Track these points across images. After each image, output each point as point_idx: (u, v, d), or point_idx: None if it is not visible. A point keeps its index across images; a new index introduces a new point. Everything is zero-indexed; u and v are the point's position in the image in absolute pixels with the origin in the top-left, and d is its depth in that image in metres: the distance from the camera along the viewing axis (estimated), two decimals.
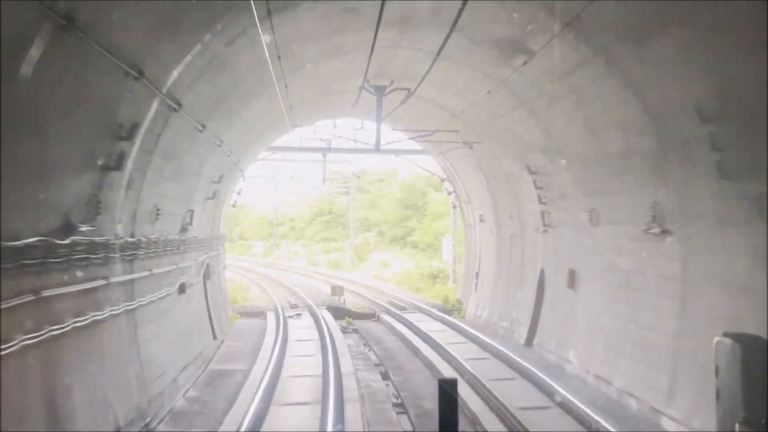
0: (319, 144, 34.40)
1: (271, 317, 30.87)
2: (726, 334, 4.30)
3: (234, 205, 34.18)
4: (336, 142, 34.12)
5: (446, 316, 30.48)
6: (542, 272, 23.09)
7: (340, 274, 57.33)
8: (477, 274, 32.50)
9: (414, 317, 30.82)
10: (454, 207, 35.99)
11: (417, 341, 24.50)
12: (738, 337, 4.08)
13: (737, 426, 3.82)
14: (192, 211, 19.96)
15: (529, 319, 23.47)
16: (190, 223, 19.92)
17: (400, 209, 69.71)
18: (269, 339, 24.87)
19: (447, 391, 2.91)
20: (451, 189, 37.34)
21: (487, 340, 23.30)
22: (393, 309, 33.51)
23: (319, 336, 25.51)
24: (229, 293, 33.05)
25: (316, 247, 76.30)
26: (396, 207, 70.07)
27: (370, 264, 60.92)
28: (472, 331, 25.51)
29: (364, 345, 25.20)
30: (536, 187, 22.53)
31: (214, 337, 23.85)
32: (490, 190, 29.19)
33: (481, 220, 31.86)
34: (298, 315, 31.13)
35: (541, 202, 22.59)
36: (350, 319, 31.83)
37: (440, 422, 2.91)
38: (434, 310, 32.22)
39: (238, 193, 33.18)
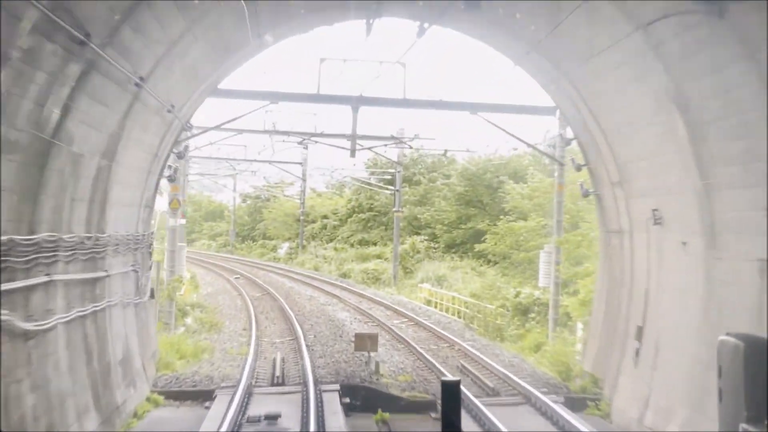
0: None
1: (217, 408, 15.13)
2: (729, 334, 3.68)
3: (171, 178, 23.65)
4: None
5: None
6: None
7: (378, 294, 41.45)
8: (640, 331, 16.41)
9: (522, 420, 14.85)
10: (586, 195, 19.90)
11: None
12: (741, 337, 3.58)
13: (741, 426, 3.39)
14: None
15: None
16: None
17: (460, 206, 53.60)
18: None
19: (450, 392, 2.77)
20: (572, 161, 21.23)
21: None
22: (470, 387, 17.51)
23: None
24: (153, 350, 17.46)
25: (350, 252, 60.47)
26: (455, 203, 53.96)
27: (419, 279, 44.90)
28: None
29: None
30: None
31: None
32: (698, 152, 13.26)
33: (657, 221, 15.76)
34: (273, 420, 14.83)
35: None
36: (385, 415, 15.98)
37: (443, 423, 2.74)
38: (558, 408, 15.98)
39: (180, 156, 22.98)
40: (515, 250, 37.94)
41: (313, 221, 76.20)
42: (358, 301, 36.69)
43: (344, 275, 52.99)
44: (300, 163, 67.83)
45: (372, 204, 66.72)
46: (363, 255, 57.06)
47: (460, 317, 31.67)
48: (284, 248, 75.06)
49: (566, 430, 14.54)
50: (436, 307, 35.60)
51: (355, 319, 30.10)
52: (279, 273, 54.64)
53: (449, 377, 3.52)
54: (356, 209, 68.34)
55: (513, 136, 24.20)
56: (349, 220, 67.76)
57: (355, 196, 70.22)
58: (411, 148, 42.96)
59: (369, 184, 64.90)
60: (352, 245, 64.22)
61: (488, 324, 28.23)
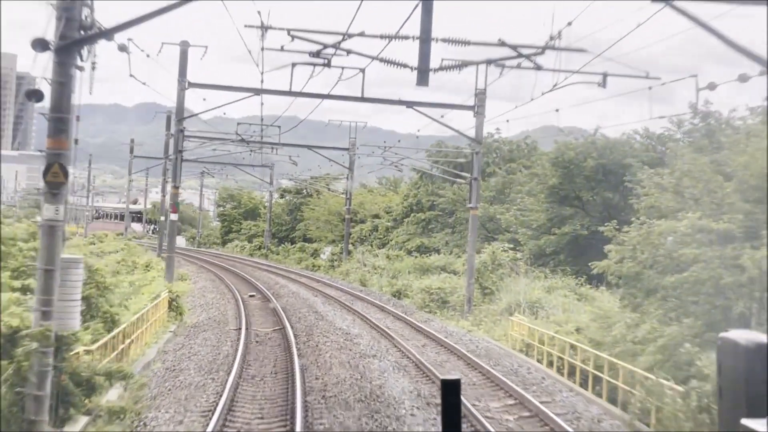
0: None
1: None
2: (729, 332, 3.87)
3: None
4: None
5: None
6: None
7: (448, 329, 28.70)
8: None
9: None
10: None
11: None
12: (741, 335, 3.74)
13: (741, 422, 3.40)
14: None
15: None
16: None
17: (552, 204, 40.68)
18: None
19: (450, 392, 2.71)
20: None
21: None
22: None
23: None
24: None
25: (407, 261, 47.75)
26: (545, 200, 41.07)
27: (503, 304, 31.99)
28: None
29: None
30: None
31: None
32: None
33: None
34: None
35: None
36: None
37: (443, 423, 2.71)
38: None
39: None
40: (657, 270, 24.65)
41: (362, 221, 63.76)
42: (419, 347, 23.95)
43: (398, 294, 40.33)
44: (347, 149, 55.14)
45: (434, 201, 54.08)
46: (423, 265, 44.24)
47: (587, 383, 18.72)
48: (326, 253, 62.73)
49: None
50: (542, 359, 22.65)
51: (422, 408, 17.14)
52: (312, 289, 42.23)
53: (449, 376, 2.93)
54: (414, 207, 55.62)
55: None
56: (405, 220, 55.05)
57: (412, 191, 57.51)
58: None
59: (444, 152, 52.14)
60: (409, 252, 51.55)
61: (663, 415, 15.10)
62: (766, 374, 3.30)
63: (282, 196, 78.34)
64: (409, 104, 33.72)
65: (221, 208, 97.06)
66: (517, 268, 38.08)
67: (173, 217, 37.73)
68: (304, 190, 72.84)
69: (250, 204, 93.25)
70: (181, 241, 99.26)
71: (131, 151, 70.72)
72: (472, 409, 15.69)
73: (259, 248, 72.57)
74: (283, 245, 70.33)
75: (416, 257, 48.72)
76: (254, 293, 38.38)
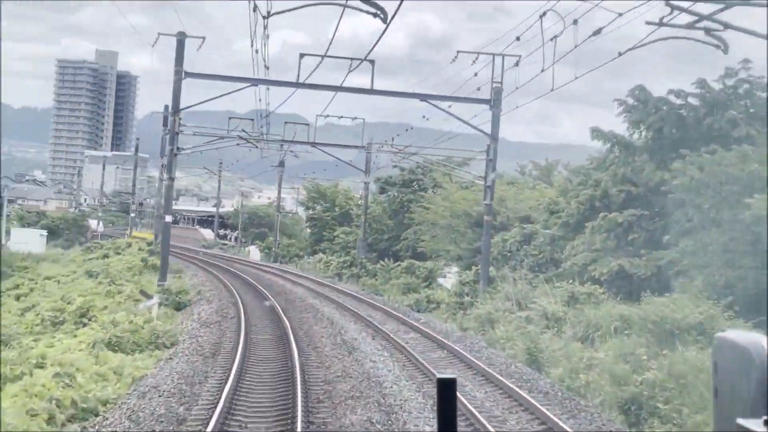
0: None
1: None
2: (725, 332, 3.34)
3: None
4: None
5: None
6: None
7: None
8: None
9: None
10: None
11: None
12: (737, 335, 3.30)
13: (737, 422, 3.04)
14: None
15: None
16: None
17: None
18: None
19: (446, 390, 2.66)
20: None
21: None
22: None
23: None
24: None
25: (609, 306, 24.34)
26: None
27: None
28: None
29: None
30: None
31: None
32: None
33: None
34: None
35: None
36: None
37: (439, 422, 2.67)
38: None
39: None
40: None
41: (503, 227, 40.73)
42: None
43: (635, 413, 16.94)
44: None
45: (632, 191, 30.80)
46: (658, 324, 20.72)
47: None
48: (449, 278, 40.06)
49: None
50: None
51: None
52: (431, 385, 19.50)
53: (445, 375, 2.70)
54: (598, 202, 32.17)
55: None
56: (590, 225, 31.31)
57: (590, 175, 34.01)
58: None
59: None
60: (596, 282, 28.33)
61: None
62: (763, 374, 2.93)
63: (382, 191, 55.52)
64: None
65: (310, 211, 75.94)
66: None
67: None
68: (415, 183, 49.95)
69: (346, 205, 71.65)
70: (254, 253, 78.38)
71: None
72: None
73: (350, 265, 50.27)
74: (382, 261, 47.67)
75: (621, 299, 25.32)
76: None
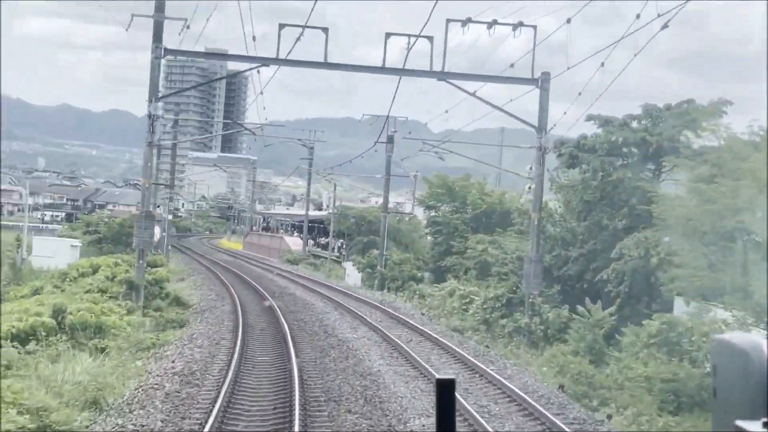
0: None
1: None
2: (724, 333, 3.72)
3: None
4: None
5: None
6: None
7: None
8: None
9: None
10: None
11: None
12: (736, 336, 3.39)
13: (735, 424, 3.22)
14: None
15: None
16: None
17: None
18: None
19: (445, 391, 2.63)
20: None
21: None
22: None
23: None
24: None
25: None
26: None
27: None
28: None
29: None
30: None
31: None
32: None
33: None
34: None
35: None
36: None
37: (437, 423, 2.66)
38: None
39: None
40: None
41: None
42: None
43: None
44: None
45: None
46: None
47: None
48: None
49: None
50: None
51: None
52: None
53: (444, 375, 3.10)
54: None
55: None
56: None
57: None
58: None
59: None
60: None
61: None
62: (762, 376, 3.03)
63: (571, 165, 30.50)
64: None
65: (431, 212, 54.67)
66: None
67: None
68: (632, 147, 25.96)
69: (481, 204, 50.03)
70: (351, 272, 56.77)
71: None
72: None
73: (503, 305, 27.43)
74: (564, 298, 24.58)
75: None
76: None
